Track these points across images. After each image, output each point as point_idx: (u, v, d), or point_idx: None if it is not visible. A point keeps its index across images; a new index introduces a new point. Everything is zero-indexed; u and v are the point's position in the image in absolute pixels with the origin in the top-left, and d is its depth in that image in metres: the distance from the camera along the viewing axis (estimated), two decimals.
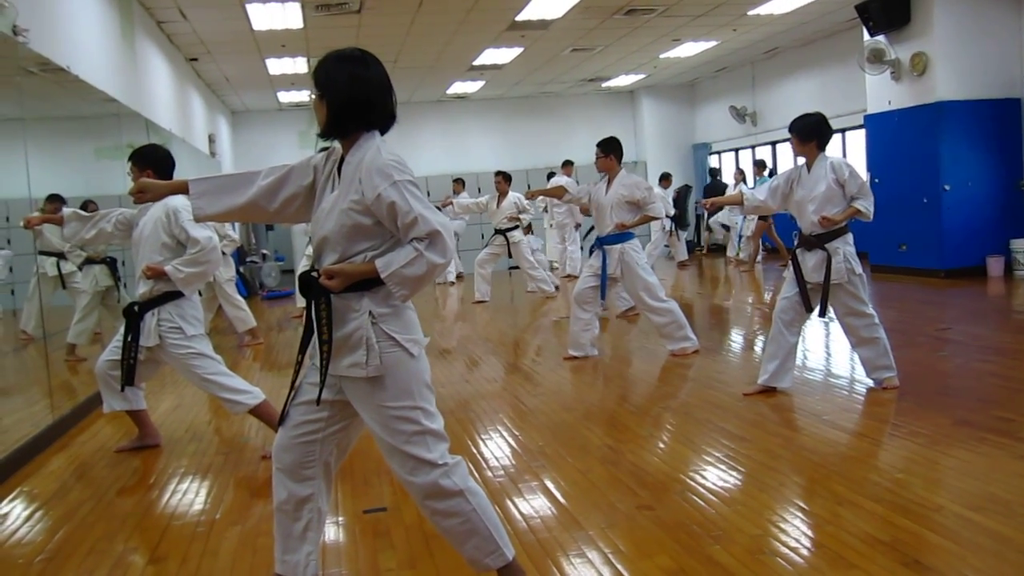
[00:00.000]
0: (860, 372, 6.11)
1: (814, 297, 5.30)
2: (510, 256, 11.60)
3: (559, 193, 8.18)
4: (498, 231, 11.60)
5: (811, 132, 5.28)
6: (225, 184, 2.68)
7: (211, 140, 14.22)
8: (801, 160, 5.42)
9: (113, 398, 4.79)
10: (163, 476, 4.48)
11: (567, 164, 15.04)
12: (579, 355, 6.86)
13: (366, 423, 2.60)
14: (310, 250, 4.38)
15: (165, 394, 6.78)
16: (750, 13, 11.86)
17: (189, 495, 4.16)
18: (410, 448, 2.54)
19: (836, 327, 8.06)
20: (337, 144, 2.63)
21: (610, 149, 6.98)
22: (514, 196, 11.64)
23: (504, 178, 11.88)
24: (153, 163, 4.79)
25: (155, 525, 3.76)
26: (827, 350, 7.12)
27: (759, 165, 14.35)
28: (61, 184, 7.93)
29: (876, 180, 11.83)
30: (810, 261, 5.28)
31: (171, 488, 4.27)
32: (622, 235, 6.79)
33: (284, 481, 2.70)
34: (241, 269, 14.40)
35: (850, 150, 14.14)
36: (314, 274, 2.52)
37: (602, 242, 6.80)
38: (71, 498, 4.20)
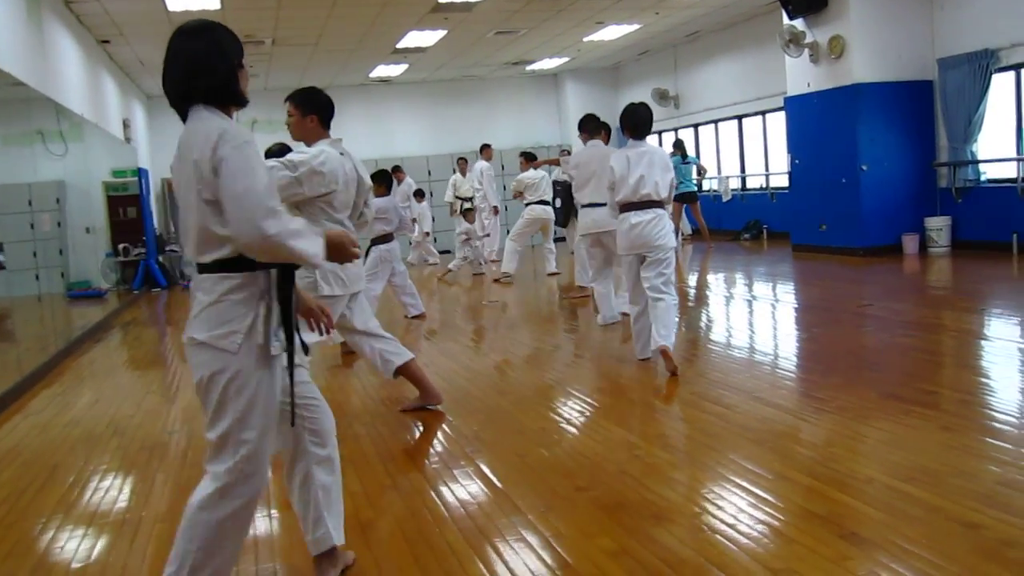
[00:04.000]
0: (785, 350, 6.23)
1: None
2: None
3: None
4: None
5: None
6: None
7: (126, 125, 13.76)
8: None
9: None
10: (84, 474, 4.30)
11: (485, 148, 14.70)
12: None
13: None
14: None
15: (84, 388, 6.54)
16: None
17: (112, 492, 4.00)
18: None
19: (760, 307, 8.21)
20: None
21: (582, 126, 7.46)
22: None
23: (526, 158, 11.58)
24: (318, 108, 4.25)
25: (77, 524, 3.60)
26: (751, 329, 7.23)
27: (676, 146, 14.48)
28: None
29: (796, 161, 12.09)
30: None
31: (93, 486, 4.10)
32: None
33: None
34: (160, 258, 14.02)
35: (770, 132, 14.39)
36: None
37: None
38: None
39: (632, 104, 5.76)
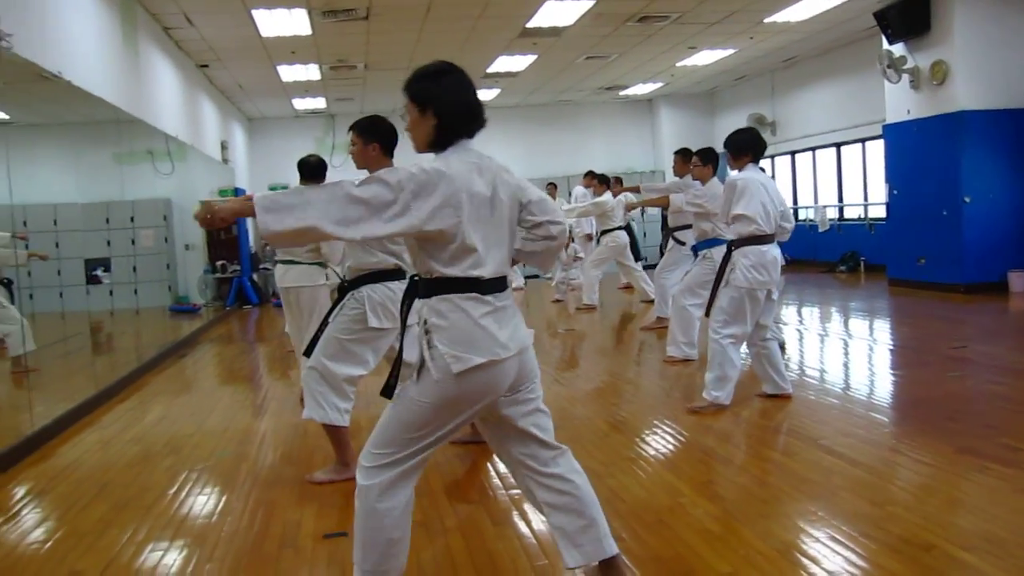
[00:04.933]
0: (862, 392, 5.89)
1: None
2: None
3: (664, 202, 7.90)
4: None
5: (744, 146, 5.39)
6: None
7: (223, 147, 14.19)
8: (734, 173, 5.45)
9: None
10: (126, 494, 4.33)
11: (588, 174, 14.14)
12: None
13: None
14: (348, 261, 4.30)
15: (155, 405, 6.67)
16: (766, 20, 11.64)
17: (151, 517, 4.01)
18: (369, 439, 2.63)
19: (845, 344, 7.82)
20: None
21: (709, 159, 6.86)
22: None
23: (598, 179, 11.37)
24: (379, 136, 4.15)
25: (112, 546, 3.61)
26: (825, 368, 6.87)
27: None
28: (77, 190, 7.94)
29: (895, 191, 11.58)
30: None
31: (131, 508, 4.12)
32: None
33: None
34: (254, 276, 14.37)
35: (869, 160, 13.85)
36: (415, 278, 2.64)
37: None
38: (35, 514, 4.07)
39: (751, 128, 5.56)
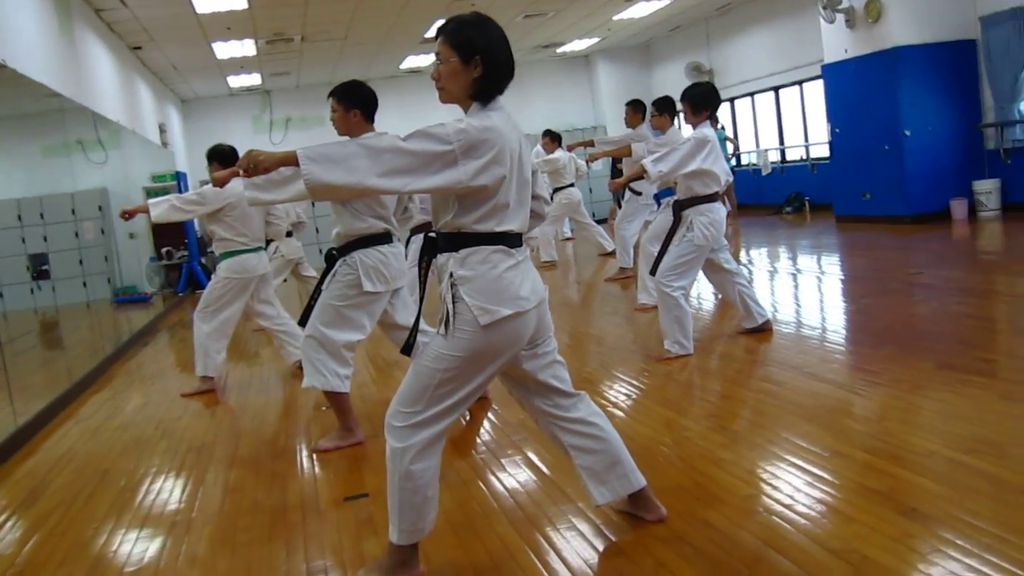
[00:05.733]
0: (835, 323, 6.10)
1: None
2: None
3: (626, 151, 7.69)
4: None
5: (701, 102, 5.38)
6: None
7: (162, 130, 13.90)
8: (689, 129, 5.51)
9: None
10: (134, 477, 4.33)
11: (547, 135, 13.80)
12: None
13: None
14: (337, 228, 4.25)
15: (132, 392, 6.61)
16: None
17: (163, 495, 4.02)
18: (396, 398, 2.65)
19: (804, 280, 8.06)
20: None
21: (665, 108, 6.76)
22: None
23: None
24: (360, 101, 4.14)
25: (129, 528, 3.62)
26: (797, 302, 7.09)
27: (712, 120, 14.24)
28: (11, 186, 7.70)
29: (836, 130, 11.85)
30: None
31: (143, 489, 4.12)
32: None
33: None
34: (203, 260, 14.14)
35: (808, 101, 14.13)
36: (431, 235, 2.65)
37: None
38: (39, 506, 4.04)
39: (708, 82, 5.57)
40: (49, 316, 8.63)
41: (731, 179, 5.52)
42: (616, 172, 10.29)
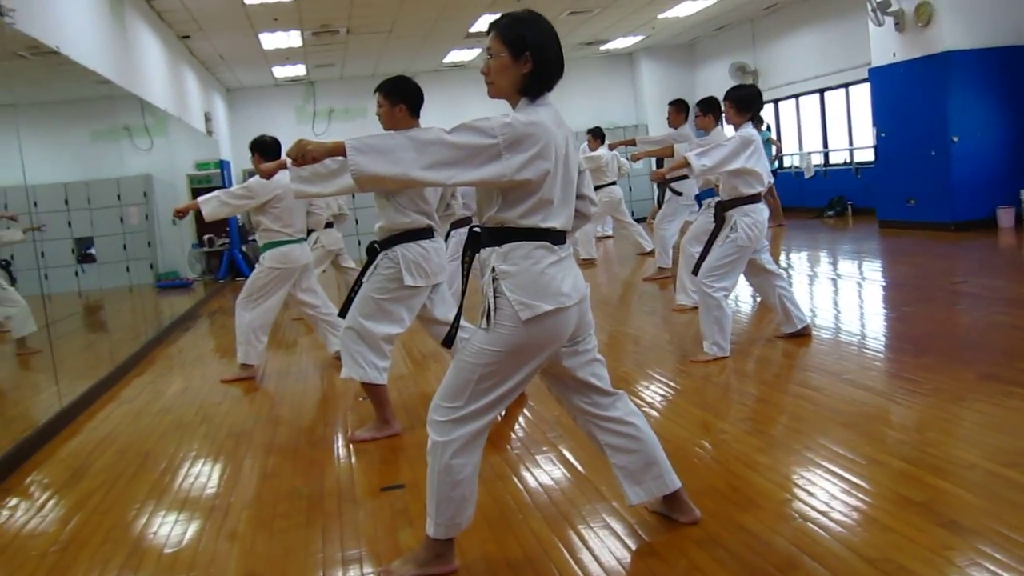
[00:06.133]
0: (875, 330, 6.04)
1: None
2: None
3: (668, 152, 7.54)
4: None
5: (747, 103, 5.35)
6: None
7: (207, 119, 14.07)
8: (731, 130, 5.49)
9: None
10: (175, 460, 4.41)
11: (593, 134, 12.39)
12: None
13: None
14: (380, 222, 4.27)
15: (174, 376, 6.72)
16: None
17: (202, 479, 4.09)
18: (438, 393, 2.66)
19: (844, 285, 7.97)
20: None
21: (710, 108, 6.62)
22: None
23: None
24: (406, 96, 4.17)
25: (169, 510, 3.69)
26: (836, 308, 7.01)
27: (757, 121, 14.13)
28: (58, 170, 7.86)
29: (882, 134, 11.70)
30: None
31: (183, 472, 4.20)
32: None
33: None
34: (244, 248, 14.33)
35: (854, 105, 13.95)
36: (476, 230, 2.68)
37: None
38: (82, 486, 4.13)
39: (752, 84, 5.55)
40: (93, 299, 8.80)
41: (772, 181, 5.46)
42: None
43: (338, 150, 2.43)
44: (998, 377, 4.32)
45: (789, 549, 2.69)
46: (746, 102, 5.32)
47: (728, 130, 5.83)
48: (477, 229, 2.70)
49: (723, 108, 5.60)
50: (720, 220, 5.43)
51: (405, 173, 2.39)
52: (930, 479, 3.14)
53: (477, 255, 2.73)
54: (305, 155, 2.50)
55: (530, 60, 2.55)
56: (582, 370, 2.83)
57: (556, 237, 2.61)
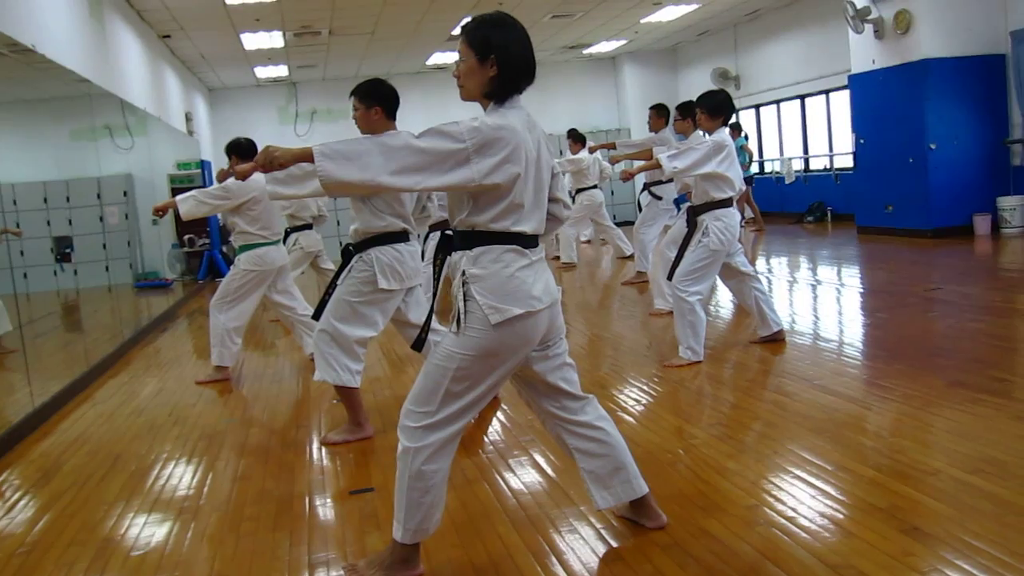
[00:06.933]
0: (850, 335, 6.08)
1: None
2: None
3: (647, 155, 7.43)
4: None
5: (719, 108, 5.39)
6: None
7: (188, 118, 14.01)
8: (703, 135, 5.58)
9: None
10: (146, 462, 4.38)
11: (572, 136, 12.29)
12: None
13: None
14: (356, 224, 4.26)
15: (149, 377, 6.68)
16: None
17: (173, 480, 4.07)
18: (409, 397, 2.66)
19: (823, 291, 8.03)
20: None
21: (688, 112, 6.57)
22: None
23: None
24: (381, 99, 4.17)
25: (139, 512, 3.67)
26: (814, 313, 7.06)
27: (735, 127, 14.20)
28: (37, 169, 7.80)
29: (861, 141, 11.78)
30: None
31: (154, 474, 4.18)
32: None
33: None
34: (224, 249, 14.27)
35: (834, 111, 14.05)
36: (447, 232, 2.69)
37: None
38: (52, 487, 4.10)
39: (723, 90, 5.61)
40: (71, 299, 8.74)
41: (744, 187, 5.51)
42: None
43: (306, 156, 2.42)
44: (968, 384, 4.35)
45: (753, 555, 2.71)
46: (717, 108, 5.36)
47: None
48: (449, 232, 2.70)
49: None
50: (692, 224, 5.46)
51: (373, 179, 2.39)
52: (896, 485, 3.17)
53: (448, 258, 2.73)
54: (272, 162, 2.50)
55: (495, 63, 2.55)
56: (552, 374, 2.83)
57: (527, 241, 2.62)
